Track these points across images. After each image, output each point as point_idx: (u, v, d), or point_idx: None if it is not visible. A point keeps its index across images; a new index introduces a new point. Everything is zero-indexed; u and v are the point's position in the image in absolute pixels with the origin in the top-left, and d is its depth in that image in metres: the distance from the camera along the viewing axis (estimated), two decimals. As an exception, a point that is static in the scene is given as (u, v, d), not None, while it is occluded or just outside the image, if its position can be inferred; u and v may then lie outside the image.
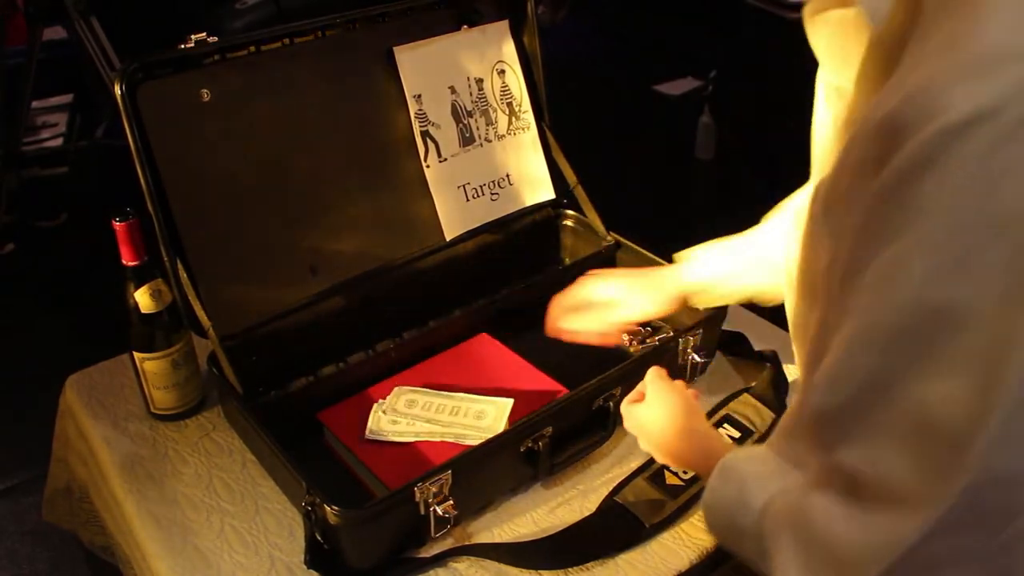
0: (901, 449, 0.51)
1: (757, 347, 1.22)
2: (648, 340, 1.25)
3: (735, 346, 1.23)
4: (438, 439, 1.06)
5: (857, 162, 0.50)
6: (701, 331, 1.14)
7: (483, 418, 1.08)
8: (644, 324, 1.28)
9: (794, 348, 0.79)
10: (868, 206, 0.49)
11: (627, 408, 0.98)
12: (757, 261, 1.03)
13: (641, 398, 0.97)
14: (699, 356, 1.15)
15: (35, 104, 2.86)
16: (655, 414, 0.94)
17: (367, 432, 1.07)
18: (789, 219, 0.85)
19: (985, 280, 0.45)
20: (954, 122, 0.43)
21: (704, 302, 1.09)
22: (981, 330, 0.46)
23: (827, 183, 0.55)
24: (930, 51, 0.46)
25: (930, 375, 0.48)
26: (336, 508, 0.88)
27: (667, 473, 1.04)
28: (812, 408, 0.58)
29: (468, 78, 1.30)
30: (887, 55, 0.51)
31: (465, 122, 1.30)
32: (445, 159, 1.28)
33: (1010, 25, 0.43)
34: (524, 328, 1.25)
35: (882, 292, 0.49)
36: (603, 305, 1.11)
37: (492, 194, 1.33)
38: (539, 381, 1.15)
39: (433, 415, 1.09)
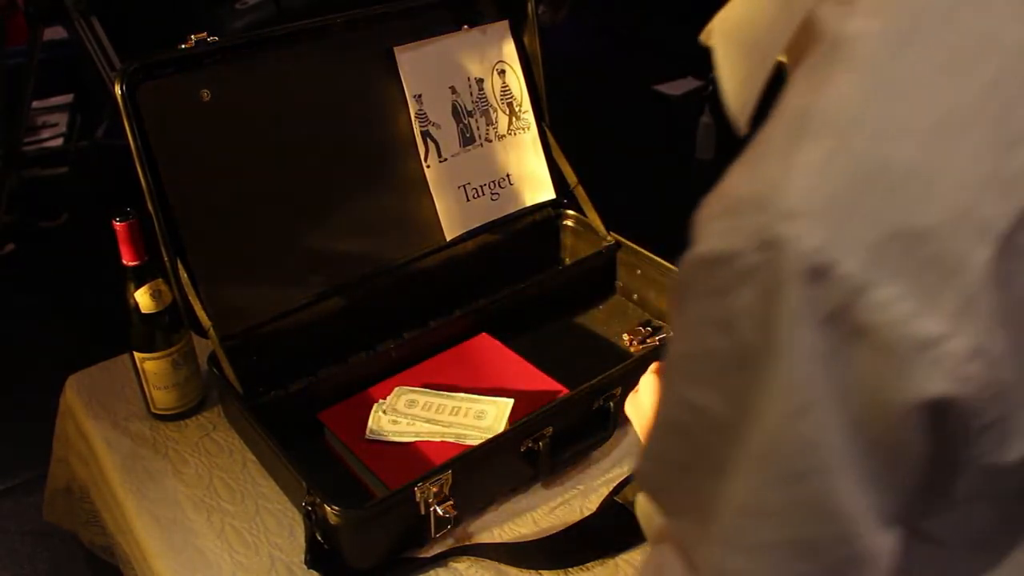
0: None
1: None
2: (648, 340, 1.25)
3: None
4: (438, 439, 1.06)
5: None
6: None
7: (483, 418, 1.08)
8: (644, 324, 1.28)
9: None
10: None
11: (629, 397, 0.97)
12: None
13: None
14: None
15: (35, 104, 2.86)
16: (644, 401, 0.93)
17: (367, 432, 1.07)
18: None
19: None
20: (698, 255, 0.46)
21: None
22: (717, 435, 0.48)
23: None
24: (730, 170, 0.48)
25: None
26: (336, 508, 0.88)
27: (667, 473, 1.04)
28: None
29: (468, 78, 1.30)
30: None
31: (465, 122, 1.30)
32: (445, 159, 1.28)
33: (763, 176, 0.44)
34: (524, 328, 1.25)
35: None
36: None
37: (492, 194, 1.33)
38: (539, 381, 1.15)
39: (433, 415, 1.09)
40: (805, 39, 0.48)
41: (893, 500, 0.46)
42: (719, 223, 0.45)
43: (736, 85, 0.54)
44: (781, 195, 0.42)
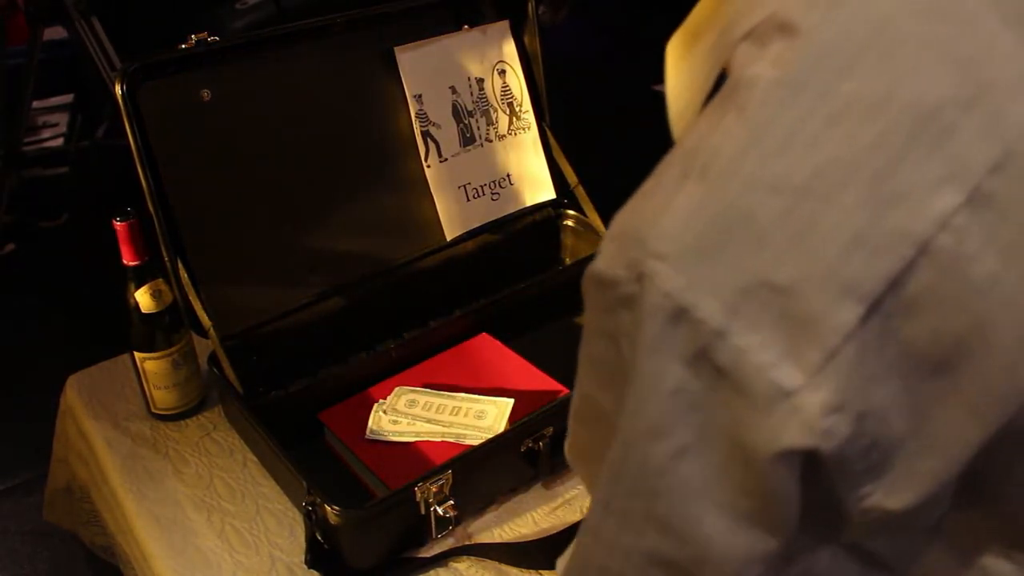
0: None
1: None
2: None
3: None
4: (439, 439, 1.06)
5: None
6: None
7: (483, 418, 1.08)
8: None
9: None
10: None
11: None
12: None
13: None
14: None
15: (35, 104, 2.86)
16: None
17: (368, 432, 1.07)
18: None
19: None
20: (593, 271, 0.49)
21: None
22: (606, 429, 0.51)
23: None
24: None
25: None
26: (337, 508, 0.88)
27: (668, 473, 1.04)
28: None
29: (469, 78, 1.30)
30: None
31: (466, 122, 1.30)
32: (446, 159, 1.28)
33: (646, 210, 0.46)
34: (524, 328, 1.25)
35: None
36: None
37: (493, 194, 1.33)
38: (540, 381, 1.15)
39: (434, 415, 1.09)
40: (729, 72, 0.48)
41: (773, 540, 0.46)
42: (610, 246, 0.47)
43: (678, 88, 0.54)
44: (655, 234, 0.44)
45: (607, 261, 0.47)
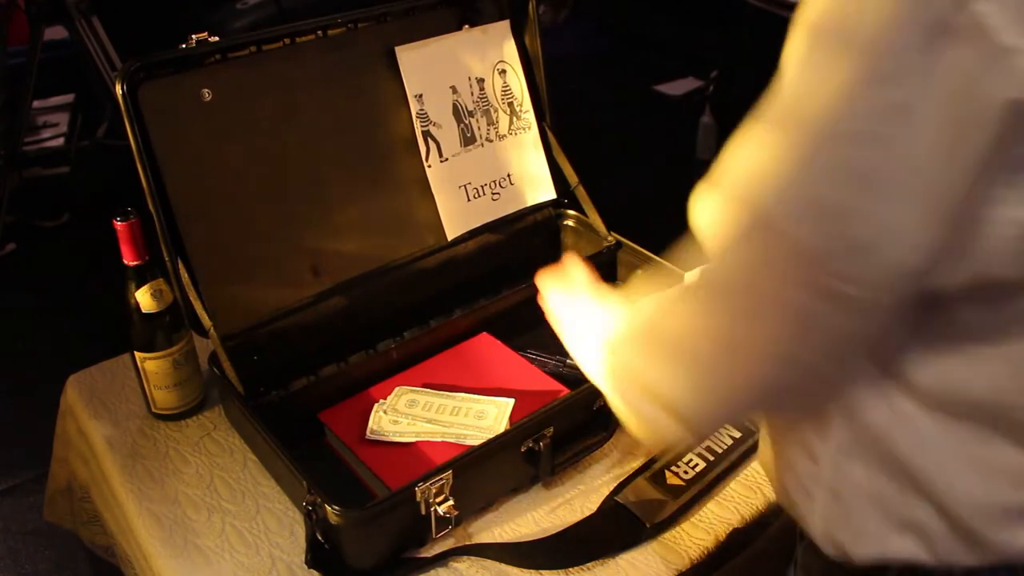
0: None
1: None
2: None
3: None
4: (439, 439, 1.06)
5: None
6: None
7: (484, 418, 1.08)
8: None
9: None
10: None
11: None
12: None
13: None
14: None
15: (36, 104, 2.86)
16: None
17: (368, 432, 1.07)
18: None
19: None
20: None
21: None
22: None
23: None
24: None
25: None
26: (337, 508, 0.88)
27: (668, 473, 1.04)
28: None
29: (469, 78, 1.30)
30: None
31: (466, 122, 1.30)
32: (446, 159, 1.28)
33: None
34: (525, 328, 1.25)
35: None
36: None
37: (493, 194, 1.33)
38: (540, 381, 1.15)
39: (434, 415, 1.09)
40: None
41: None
42: None
43: None
44: None
45: None
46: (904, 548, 0.66)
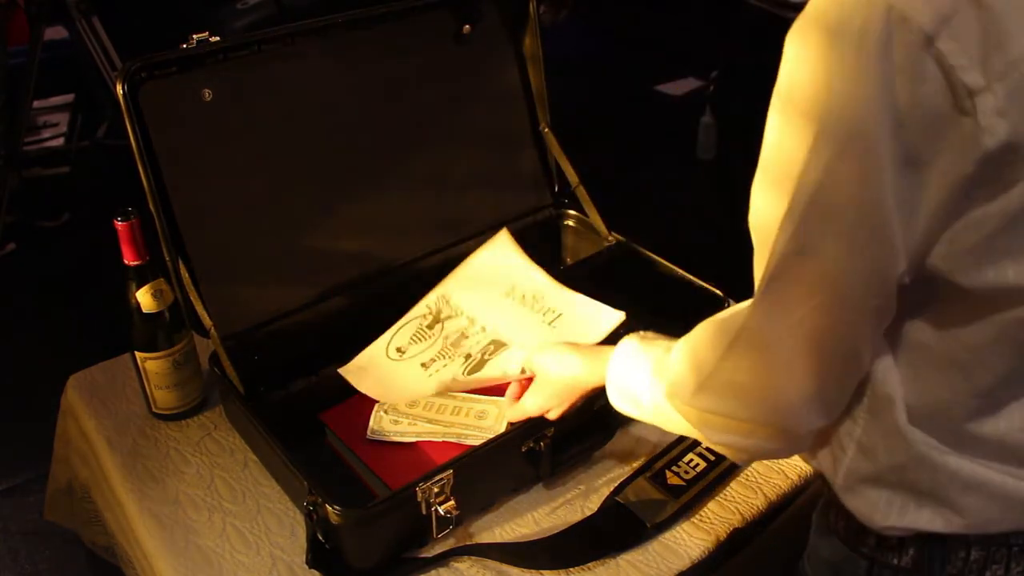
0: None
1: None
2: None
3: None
4: (440, 439, 1.06)
5: None
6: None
7: (485, 418, 1.08)
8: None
9: None
10: None
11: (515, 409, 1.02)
12: None
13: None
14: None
15: (36, 104, 2.86)
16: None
17: (369, 432, 1.07)
18: None
19: None
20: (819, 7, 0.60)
21: None
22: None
23: None
24: None
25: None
26: (338, 508, 0.88)
27: (668, 473, 1.04)
28: None
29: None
30: None
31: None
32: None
33: None
34: (525, 328, 1.24)
35: None
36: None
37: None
38: (540, 381, 1.15)
39: (435, 415, 1.09)
40: None
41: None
42: None
43: None
44: None
45: None
46: (920, 518, 0.70)
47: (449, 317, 1.17)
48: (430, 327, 1.16)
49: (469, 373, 1.12)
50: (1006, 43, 0.54)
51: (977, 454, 0.68)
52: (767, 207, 0.65)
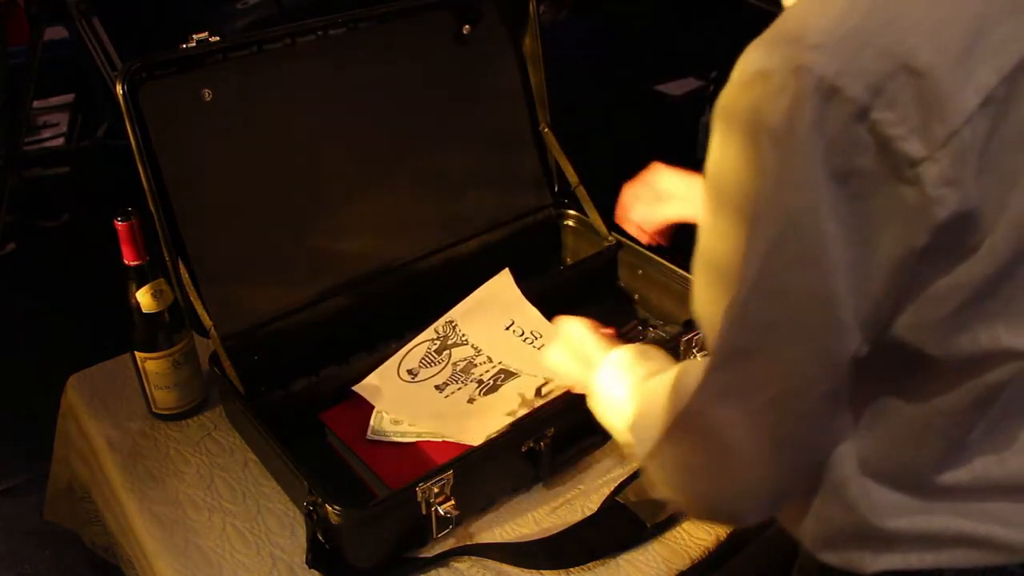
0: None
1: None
2: (630, 333, 1.25)
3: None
4: (440, 439, 1.06)
5: None
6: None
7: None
8: (642, 322, 1.28)
9: None
10: None
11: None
12: None
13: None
14: (700, 356, 1.15)
15: (36, 104, 2.86)
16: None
17: (369, 432, 1.07)
18: None
19: None
20: (748, 71, 0.57)
21: None
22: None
23: None
24: None
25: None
26: (338, 508, 0.88)
27: (669, 473, 1.04)
28: None
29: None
30: None
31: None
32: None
33: (801, 16, 0.55)
34: (525, 328, 1.25)
35: None
36: (664, 197, 1.14)
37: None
38: (540, 381, 1.15)
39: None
40: None
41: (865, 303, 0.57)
42: (759, 51, 0.55)
43: None
44: (811, 32, 0.53)
45: (760, 61, 0.54)
46: (894, 560, 0.68)
47: (456, 345, 1.17)
48: (439, 352, 1.16)
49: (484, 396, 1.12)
50: (945, 109, 0.52)
51: (945, 500, 0.66)
52: (708, 300, 0.63)
